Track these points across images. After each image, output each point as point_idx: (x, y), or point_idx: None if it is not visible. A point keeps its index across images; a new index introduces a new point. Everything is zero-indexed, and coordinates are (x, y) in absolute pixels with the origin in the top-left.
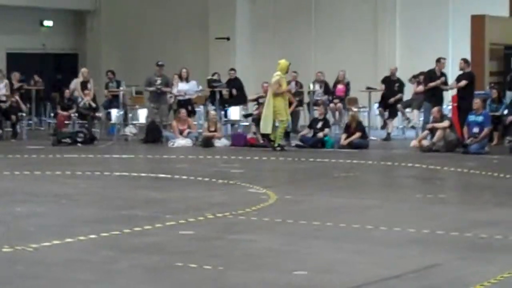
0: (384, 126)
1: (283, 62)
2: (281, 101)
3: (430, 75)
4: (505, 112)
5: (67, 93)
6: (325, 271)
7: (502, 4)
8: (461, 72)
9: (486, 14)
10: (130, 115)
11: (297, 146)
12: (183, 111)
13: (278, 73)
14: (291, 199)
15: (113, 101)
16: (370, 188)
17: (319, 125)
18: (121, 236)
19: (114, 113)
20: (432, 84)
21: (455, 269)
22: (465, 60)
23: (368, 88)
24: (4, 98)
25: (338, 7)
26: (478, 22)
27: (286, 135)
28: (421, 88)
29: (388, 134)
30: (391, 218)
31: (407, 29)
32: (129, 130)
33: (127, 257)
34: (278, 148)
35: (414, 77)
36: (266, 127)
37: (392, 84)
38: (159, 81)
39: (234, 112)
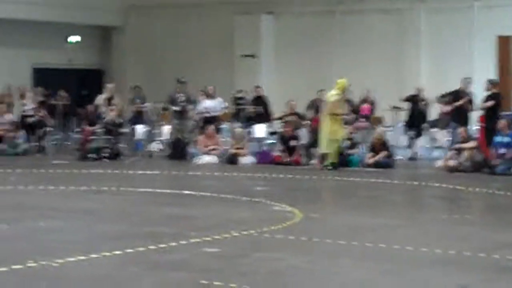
0: (409, 146)
1: (342, 81)
2: (337, 120)
3: (456, 95)
4: None
5: (90, 108)
6: None
7: None
8: (487, 92)
9: None
10: (155, 131)
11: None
12: (211, 127)
13: (338, 92)
14: (317, 217)
15: (138, 117)
16: (396, 207)
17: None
18: (146, 252)
19: (139, 129)
20: (458, 103)
21: None
22: (491, 81)
23: (394, 107)
24: (31, 113)
25: (363, 25)
26: (504, 43)
27: (340, 155)
28: (448, 108)
29: (415, 153)
30: (418, 238)
31: (432, 49)
32: (155, 146)
33: (151, 274)
34: (330, 167)
35: (443, 96)
36: (323, 146)
37: (417, 104)
38: (182, 98)
39: (260, 130)
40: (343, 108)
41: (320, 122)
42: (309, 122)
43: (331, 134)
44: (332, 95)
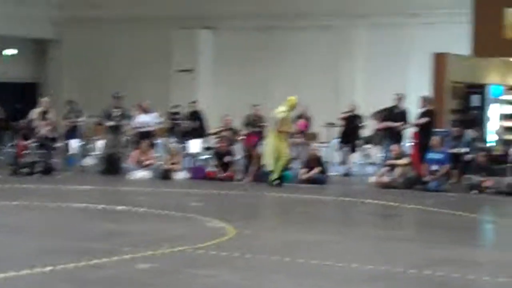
0: (343, 162)
1: (292, 99)
2: (284, 137)
3: (390, 112)
4: (464, 150)
5: (24, 122)
6: None
7: (463, 42)
8: (421, 109)
9: (448, 52)
10: (89, 146)
11: (258, 181)
12: (145, 142)
13: (286, 109)
14: (250, 233)
15: (73, 131)
16: (329, 223)
17: None
18: (78, 269)
19: (74, 143)
20: (389, 125)
21: None
22: (425, 98)
23: (328, 123)
24: None
25: (301, 41)
26: (440, 60)
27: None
28: (382, 124)
29: (348, 169)
30: (350, 255)
31: (369, 65)
32: (89, 161)
33: None
34: (275, 183)
35: (378, 112)
36: (268, 162)
37: (352, 120)
38: (117, 113)
39: (194, 145)
40: (289, 126)
41: (267, 138)
42: (243, 137)
43: (276, 152)
44: (280, 112)
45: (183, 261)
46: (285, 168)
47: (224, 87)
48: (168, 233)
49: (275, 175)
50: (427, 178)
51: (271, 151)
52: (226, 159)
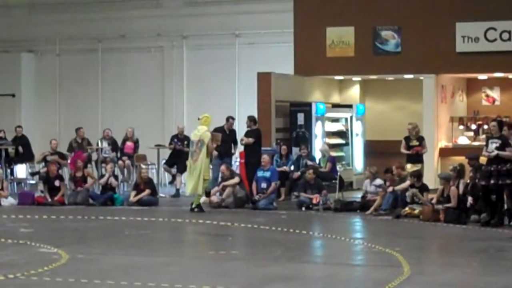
0: (172, 181)
1: (208, 116)
2: (207, 158)
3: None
4: (292, 168)
5: None
6: None
7: (287, 62)
8: (248, 129)
9: (272, 72)
10: None
11: (86, 204)
12: None
13: (205, 127)
14: (84, 258)
15: None
16: (162, 245)
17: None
18: None
19: None
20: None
21: None
22: (250, 118)
23: (157, 145)
24: None
25: (125, 64)
26: (264, 80)
27: (207, 194)
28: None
29: (177, 190)
30: (186, 276)
31: (195, 86)
32: None
33: None
34: (196, 210)
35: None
36: (197, 187)
37: (181, 142)
38: None
39: (21, 170)
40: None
41: (194, 162)
42: (68, 162)
43: (205, 174)
44: (204, 132)
45: None
46: (207, 190)
47: (49, 111)
48: (0, 260)
49: (196, 201)
50: (256, 197)
51: (198, 175)
52: (56, 183)
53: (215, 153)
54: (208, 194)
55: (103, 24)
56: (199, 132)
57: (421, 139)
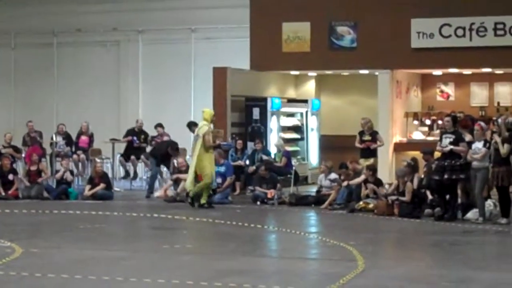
0: (126, 176)
1: (208, 111)
2: (208, 153)
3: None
4: (247, 162)
5: None
6: None
7: (243, 57)
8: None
9: (228, 67)
10: None
11: (40, 198)
12: None
13: (205, 123)
14: (38, 252)
15: None
16: (117, 239)
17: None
18: None
19: None
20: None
21: None
22: (189, 124)
23: (112, 139)
24: None
25: (81, 58)
26: (220, 74)
27: (213, 191)
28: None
29: (133, 184)
30: (141, 270)
31: (152, 80)
32: None
33: None
34: (206, 206)
35: (156, 126)
36: (189, 183)
37: (138, 136)
38: None
39: None
40: (213, 140)
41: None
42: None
43: (200, 170)
44: (200, 126)
45: None
46: (212, 188)
47: (4, 104)
48: None
49: (204, 198)
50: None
51: (193, 169)
52: (10, 177)
53: None
54: (214, 191)
55: (58, 18)
56: (199, 127)
57: (374, 134)
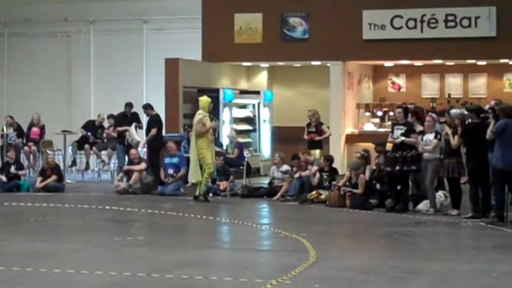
0: (72, 165)
1: (204, 99)
2: (205, 142)
3: (123, 118)
4: None
5: None
6: None
7: (194, 48)
8: (148, 117)
9: (180, 58)
10: None
11: None
12: None
13: (201, 111)
14: None
15: None
16: (69, 231)
17: (13, 168)
18: None
19: None
20: (120, 129)
21: None
22: (145, 106)
23: (64, 131)
24: None
25: (31, 49)
26: (172, 66)
27: (213, 181)
28: (112, 131)
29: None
30: (92, 262)
31: (103, 72)
32: None
33: None
34: (202, 199)
35: (108, 117)
36: (196, 174)
37: (95, 130)
38: None
39: None
40: (208, 129)
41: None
42: None
43: (202, 159)
44: (196, 115)
45: None
46: (213, 178)
47: None
48: None
49: (199, 190)
50: (164, 182)
51: (195, 161)
52: None
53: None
54: (213, 181)
55: (8, 8)
56: (195, 117)
57: (319, 125)
